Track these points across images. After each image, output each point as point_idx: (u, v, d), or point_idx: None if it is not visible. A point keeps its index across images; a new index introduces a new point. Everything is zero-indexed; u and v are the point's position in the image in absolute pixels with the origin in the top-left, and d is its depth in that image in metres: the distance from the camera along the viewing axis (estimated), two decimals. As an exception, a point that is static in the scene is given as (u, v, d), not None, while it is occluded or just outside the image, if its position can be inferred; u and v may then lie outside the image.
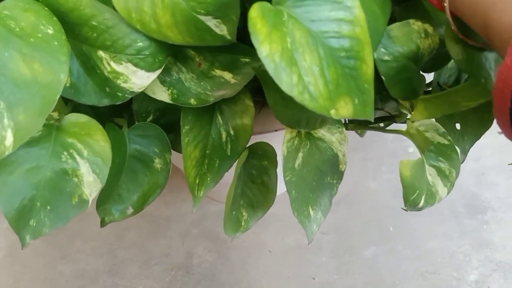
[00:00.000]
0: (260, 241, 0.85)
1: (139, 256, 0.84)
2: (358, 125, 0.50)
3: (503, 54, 0.27)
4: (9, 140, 0.30)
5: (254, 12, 0.26)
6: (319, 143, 0.44)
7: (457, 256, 0.84)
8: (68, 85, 0.37)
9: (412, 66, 0.39)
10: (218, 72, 0.38)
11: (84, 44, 0.35)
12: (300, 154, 0.43)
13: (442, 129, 0.45)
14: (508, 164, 0.56)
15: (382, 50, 0.37)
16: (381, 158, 0.98)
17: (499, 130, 0.29)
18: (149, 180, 0.43)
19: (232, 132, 0.46)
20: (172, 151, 0.46)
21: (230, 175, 0.47)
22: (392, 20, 0.39)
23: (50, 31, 0.33)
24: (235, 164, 0.47)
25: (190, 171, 0.43)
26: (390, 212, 0.89)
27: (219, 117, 0.45)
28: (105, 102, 0.37)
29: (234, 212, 0.49)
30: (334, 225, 0.87)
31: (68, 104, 0.42)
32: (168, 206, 0.90)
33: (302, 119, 0.38)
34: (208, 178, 0.45)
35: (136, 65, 0.35)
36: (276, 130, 0.56)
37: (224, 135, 0.45)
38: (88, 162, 0.35)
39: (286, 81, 0.26)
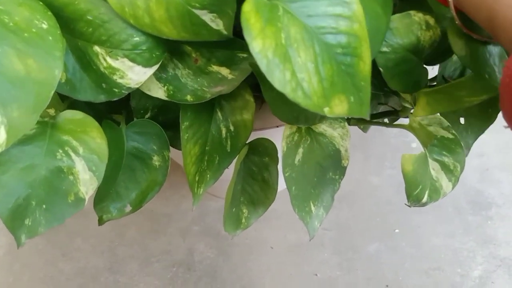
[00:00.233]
0: (261, 238, 0.85)
1: (140, 253, 0.83)
2: (361, 120, 0.49)
3: (509, 49, 0.26)
4: (1, 137, 0.29)
5: (248, 6, 0.26)
6: (320, 138, 0.43)
7: (461, 252, 0.83)
8: (63, 81, 0.36)
9: (412, 58, 0.38)
10: (215, 68, 0.37)
11: (80, 40, 0.35)
12: (300, 150, 0.42)
13: (446, 123, 0.44)
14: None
15: None
16: (383, 154, 0.97)
17: (505, 124, 0.28)
18: (147, 178, 0.42)
19: (232, 128, 0.45)
20: (171, 147, 0.46)
21: (231, 171, 0.46)
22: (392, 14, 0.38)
23: (44, 26, 0.32)
24: (234, 161, 0.46)
25: (189, 168, 0.43)
26: (393, 208, 0.89)
27: (219, 113, 0.45)
28: (102, 98, 0.36)
29: (234, 209, 0.48)
30: (336, 221, 0.87)
31: (65, 100, 0.42)
32: (169, 203, 0.90)
33: (300, 116, 0.37)
34: (208, 175, 0.44)
35: (132, 60, 0.34)
36: (277, 126, 0.55)
37: (224, 131, 0.45)
38: (84, 159, 0.35)
39: (279, 78, 0.26)
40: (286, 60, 0.26)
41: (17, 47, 0.31)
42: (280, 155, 0.43)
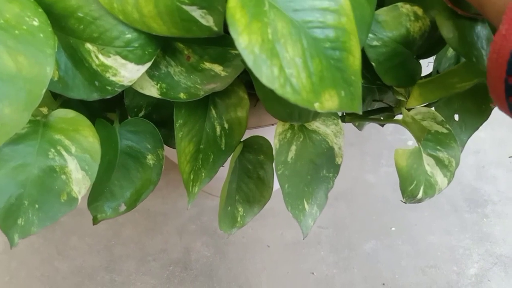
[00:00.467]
0: (258, 236, 0.85)
1: (137, 252, 0.83)
2: (355, 117, 0.48)
3: (497, 24, 0.26)
4: (-7, 136, 0.29)
5: (233, 1, 0.25)
6: (313, 135, 0.43)
7: (457, 250, 0.83)
8: (56, 79, 0.36)
9: (403, 50, 0.38)
10: (207, 65, 0.37)
11: (71, 37, 0.34)
12: (293, 147, 0.42)
13: (440, 118, 0.44)
14: (509, 157, 0.55)
15: (370, 35, 0.36)
16: (379, 152, 0.97)
17: (494, 104, 0.28)
18: (141, 177, 0.42)
19: (226, 126, 0.45)
20: (166, 146, 0.45)
21: (227, 169, 0.46)
22: (380, 5, 0.37)
23: (35, 23, 0.32)
24: (230, 159, 0.46)
25: (184, 166, 0.42)
26: (389, 206, 0.89)
27: (213, 111, 0.44)
28: (95, 96, 0.36)
29: (229, 208, 0.48)
30: (333, 219, 0.87)
31: (57, 98, 0.41)
32: (165, 202, 0.89)
33: (294, 112, 0.37)
34: (203, 174, 0.44)
35: (125, 57, 0.34)
36: (273, 124, 0.55)
37: (218, 129, 0.44)
38: (77, 158, 0.34)
39: (266, 74, 0.25)
40: (274, 56, 0.26)
41: (7, 44, 0.31)
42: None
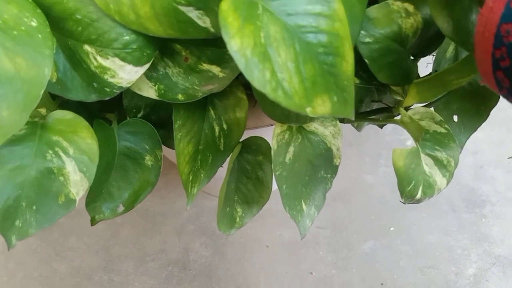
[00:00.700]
0: (256, 237, 0.85)
1: (135, 252, 0.83)
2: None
3: None
4: (-9, 137, 0.29)
5: (225, 4, 0.25)
6: (311, 136, 0.43)
7: (455, 250, 0.83)
8: (54, 80, 0.36)
9: (397, 47, 0.38)
10: (205, 66, 0.37)
11: (70, 38, 0.34)
12: (291, 148, 0.42)
13: (438, 117, 0.44)
14: (508, 158, 0.55)
15: (362, 32, 0.36)
16: (378, 152, 0.97)
17: (483, 81, 0.27)
18: (139, 178, 0.42)
19: (225, 126, 0.45)
20: (165, 147, 0.45)
21: (225, 170, 0.46)
22: (372, 2, 0.37)
23: (34, 24, 0.32)
24: (228, 159, 0.46)
25: (183, 167, 0.42)
26: (388, 206, 0.89)
27: (212, 112, 0.44)
28: (93, 97, 0.36)
29: (228, 209, 0.48)
30: (331, 219, 0.87)
31: (56, 99, 0.41)
32: (164, 202, 0.89)
33: (291, 114, 0.37)
34: (202, 174, 0.44)
35: (123, 59, 0.34)
36: (271, 125, 0.55)
37: (217, 130, 0.44)
38: (74, 160, 0.34)
39: (258, 78, 0.25)
40: (266, 60, 0.26)
41: (5, 45, 0.31)
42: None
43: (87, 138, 0.35)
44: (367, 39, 0.36)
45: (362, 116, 0.47)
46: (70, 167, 0.34)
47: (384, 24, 0.36)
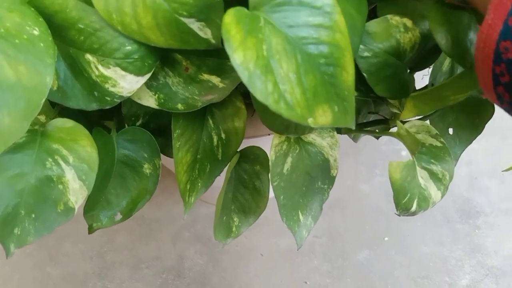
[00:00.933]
0: (252, 245, 0.85)
1: (130, 259, 0.83)
2: (351, 129, 0.49)
3: (483, 11, 0.26)
4: (-8, 144, 0.29)
5: (228, 17, 0.26)
6: (309, 147, 0.43)
7: (449, 261, 0.84)
8: (55, 88, 0.36)
9: (394, 61, 0.38)
10: (205, 76, 0.37)
11: (71, 47, 0.34)
12: (289, 159, 0.42)
13: (434, 131, 0.45)
14: (502, 171, 0.55)
15: (361, 46, 0.36)
16: (374, 162, 0.97)
17: (484, 95, 0.28)
18: (138, 186, 0.42)
19: (223, 136, 0.45)
20: (162, 155, 0.46)
21: (222, 178, 0.46)
22: (373, 17, 0.38)
23: (36, 32, 0.32)
24: (226, 168, 0.46)
25: (181, 176, 0.43)
26: (383, 216, 0.89)
27: (210, 121, 0.45)
28: (94, 106, 0.36)
29: (225, 218, 0.48)
30: (327, 228, 0.87)
31: (55, 107, 0.41)
32: (160, 208, 0.89)
33: (290, 125, 0.37)
34: (199, 184, 0.44)
35: (124, 69, 0.34)
36: (269, 134, 0.56)
37: (215, 139, 0.45)
38: (74, 168, 0.34)
39: (261, 90, 0.26)
40: (268, 72, 0.26)
41: (7, 53, 0.31)
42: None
43: (87, 146, 0.35)
44: (366, 53, 0.36)
45: (359, 127, 0.48)
46: (70, 175, 0.34)
47: (383, 38, 0.36)
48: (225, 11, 0.28)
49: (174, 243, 0.85)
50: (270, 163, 0.41)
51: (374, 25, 0.36)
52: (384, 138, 1.01)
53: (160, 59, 0.36)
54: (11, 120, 0.30)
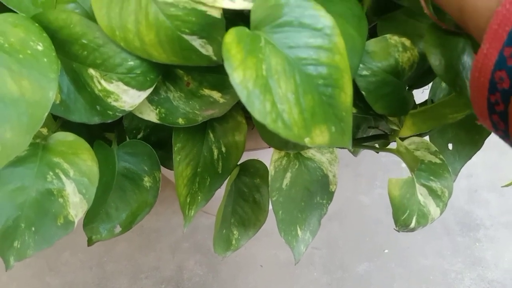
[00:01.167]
0: (251, 256, 0.84)
1: (129, 269, 0.83)
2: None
3: (479, 39, 0.26)
4: (-6, 158, 0.29)
5: (230, 37, 0.26)
6: (308, 163, 0.43)
7: (449, 274, 0.83)
8: (58, 102, 0.36)
9: (393, 80, 0.39)
10: (206, 92, 0.37)
11: (75, 62, 0.35)
12: (288, 174, 0.42)
13: (433, 148, 0.45)
14: (502, 186, 0.55)
15: (360, 65, 0.37)
16: (374, 173, 0.97)
17: (479, 121, 0.28)
18: (138, 198, 0.42)
19: (223, 149, 0.45)
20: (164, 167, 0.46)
21: (223, 189, 0.47)
22: (373, 34, 0.38)
23: (40, 48, 0.33)
24: (226, 182, 0.46)
25: (181, 190, 0.43)
26: (383, 228, 0.89)
27: (211, 135, 0.45)
28: (96, 120, 0.36)
29: (224, 231, 0.48)
30: (326, 240, 0.87)
31: (57, 119, 0.42)
32: (159, 219, 0.89)
33: (289, 142, 0.37)
34: (199, 197, 0.44)
35: (127, 84, 0.34)
36: (270, 147, 0.56)
37: (215, 153, 0.45)
38: (75, 182, 0.34)
39: (259, 109, 0.26)
40: (267, 91, 0.26)
41: (11, 68, 0.31)
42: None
43: (87, 160, 0.35)
44: (365, 72, 0.36)
45: (358, 142, 0.48)
46: (70, 188, 0.34)
47: (382, 57, 0.37)
48: (227, 28, 0.29)
49: (174, 254, 0.85)
50: (269, 178, 0.41)
51: (373, 44, 0.37)
52: (384, 150, 1.01)
53: (162, 74, 0.37)
54: (14, 135, 0.30)
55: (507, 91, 0.24)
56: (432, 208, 0.44)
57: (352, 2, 0.34)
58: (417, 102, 0.50)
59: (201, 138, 0.44)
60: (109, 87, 0.34)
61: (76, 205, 0.34)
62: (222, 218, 0.47)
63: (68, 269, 0.82)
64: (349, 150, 0.57)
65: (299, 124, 0.27)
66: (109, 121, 0.36)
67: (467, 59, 0.35)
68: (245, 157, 0.48)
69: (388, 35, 0.37)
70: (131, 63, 0.34)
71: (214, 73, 0.37)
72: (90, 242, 0.42)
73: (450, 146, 0.49)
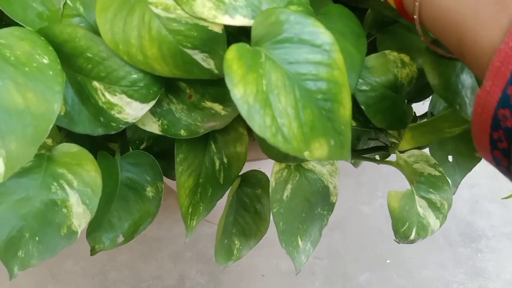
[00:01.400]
0: (253, 265, 0.85)
1: (131, 278, 0.83)
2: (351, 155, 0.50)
3: (481, 76, 0.26)
4: (0, 169, 0.30)
5: (231, 53, 0.27)
6: (309, 174, 0.44)
7: (451, 285, 0.83)
8: (62, 113, 0.37)
9: (391, 95, 0.39)
10: (208, 104, 0.38)
11: (79, 74, 0.35)
12: (289, 186, 0.43)
13: (433, 160, 0.45)
14: (502, 198, 0.56)
15: (360, 80, 0.37)
16: (375, 183, 0.98)
17: (479, 153, 0.28)
18: (140, 208, 0.43)
19: (225, 160, 0.46)
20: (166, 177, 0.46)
21: (224, 198, 0.47)
22: (372, 49, 0.39)
23: (45, 61, 0.33)
24: (227, 192, 0.47)
25: (183, 200, 0.43)
26: (385, 238, 0.89)
27: (213, 146, 0.45)
28: (99, 131, 0.37)
29: (226, 241, 0.49)
30: (328, 250, 0.87)
31: (62, 130, 0.42)
32: (161, 227, 0.90)
33: (289, 155, 0.38)
34: (201, 207, 0.45)
35: (130, 96, 0.35)
36: (271, 157, 0.56)
37: (217, 164, 0.45)
38: (78, 193, 0.35)
39: (259, 123, 0.26)
40: (267, 106, 0.27)
41: (17, 80, 0.32)
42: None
43: (91, 171, 0.36)
44: (364, 87, 0.37)
45: (358, 153, 0.49)
46: (74, 199, 0.35)
47: (381, 73, 0.37)
48: (229, 42, 0.29)
49: (175, 263, 0.85)
50: (270, 190, 0.42)
51: (372, 60, 0.37)
52: (386, 160, 1.01)
53: (165, 86, 0.37)
54: (19, 146, 0.31)
55: (511, 129, 0.24)
56: (432, 220, 0.45)
57: (351, 19, 0.35)
58: (417, 114, 0.51)
59: (203, 149, 0.45)
60: (113, 99, 0.35)
61: (80, 215, 0.35)
62: (224, 228, 0.47)
63: (70, 277, 0.82)
64: (350, 162, 0.57)
65: (299, 138, 0.28)
66: (112, 133, 0.36)
67: (465, 78, 0.35)
68: (247, 167, 0.48)
69: (387, 51, 0.37)
70: (135, 76, 0.34)
71: (216, 86, 0.38)
72: (93, 252, 0.42)
73: (450, 158, 0.49)
